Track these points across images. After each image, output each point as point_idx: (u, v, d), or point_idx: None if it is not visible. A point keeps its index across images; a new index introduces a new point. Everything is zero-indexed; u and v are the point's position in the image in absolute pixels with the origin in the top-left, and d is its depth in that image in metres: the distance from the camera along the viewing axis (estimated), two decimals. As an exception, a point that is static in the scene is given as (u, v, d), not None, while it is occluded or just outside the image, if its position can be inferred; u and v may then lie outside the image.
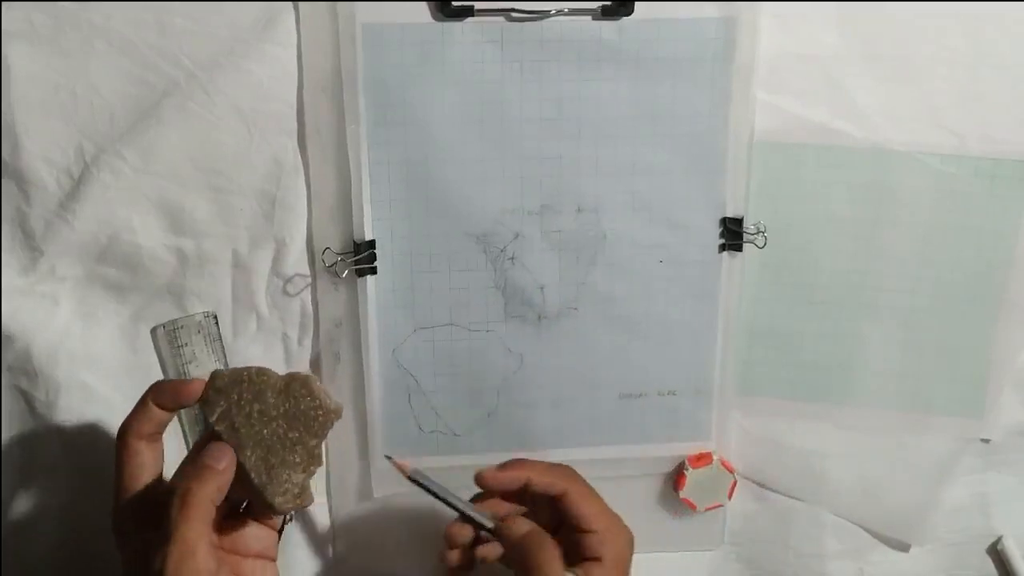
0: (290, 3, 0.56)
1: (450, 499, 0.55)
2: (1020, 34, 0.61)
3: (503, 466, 0.56)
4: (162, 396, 0.49)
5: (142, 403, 0.49)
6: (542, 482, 0.55)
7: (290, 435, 0.49)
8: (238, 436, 0.48)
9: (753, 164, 0.62)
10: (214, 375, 0.49)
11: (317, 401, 0.49)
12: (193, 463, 0.47)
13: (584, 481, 0.56)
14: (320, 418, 0.49)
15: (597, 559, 0.53)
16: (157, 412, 0.48)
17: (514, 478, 0.55)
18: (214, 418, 0.48)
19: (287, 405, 0.49)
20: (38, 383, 0.58)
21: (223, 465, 0.47)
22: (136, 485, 0.48)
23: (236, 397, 0.48)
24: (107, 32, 0.55)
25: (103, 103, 0.56)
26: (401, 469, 0.55)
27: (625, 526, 0.55)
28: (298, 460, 0.49)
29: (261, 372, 0.49)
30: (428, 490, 0.55)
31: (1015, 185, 0.63)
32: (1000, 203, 0.63)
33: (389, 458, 0.56)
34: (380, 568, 0.67)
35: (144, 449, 0.48)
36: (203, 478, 0.46)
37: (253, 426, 0.48)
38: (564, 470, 0.56)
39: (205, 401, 0.48)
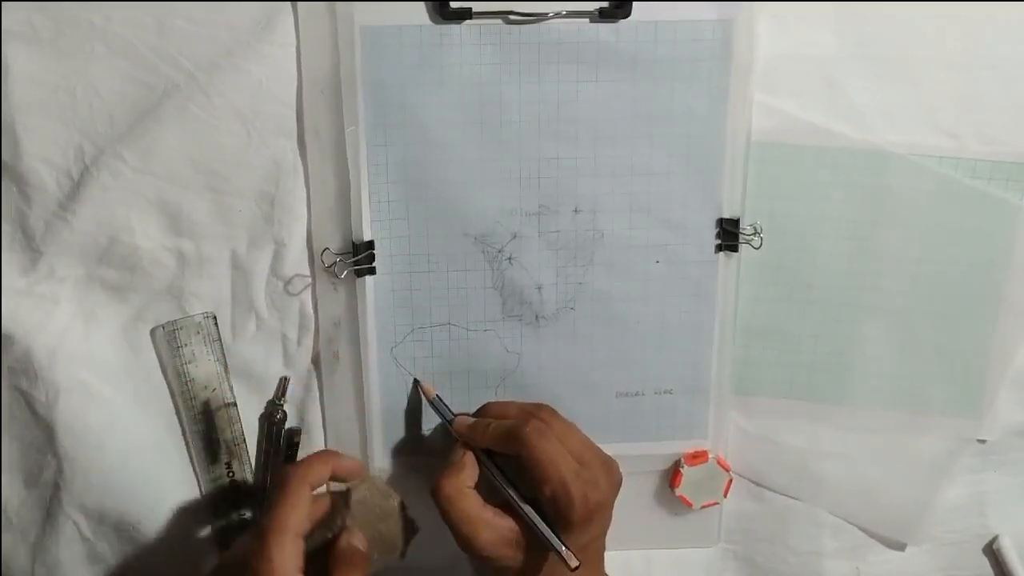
0: (288, 5, 0.57)
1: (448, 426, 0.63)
2: (1017, 36, 0.61)
3: (472, 426, 0.61)
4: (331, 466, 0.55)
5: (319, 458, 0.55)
6: (497, 448, 0.59)
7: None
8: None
9: (750, 165, 0.62)
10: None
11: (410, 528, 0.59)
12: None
13: (543, 440, 0.56)
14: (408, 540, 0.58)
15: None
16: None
17: (476, 441, 0.60)
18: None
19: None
20: (38, 384, 0.58)
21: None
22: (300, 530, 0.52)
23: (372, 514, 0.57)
24: (106, 34, 0.55)
25: (102, 104, 0.56)
26: (426, 392, 0.63)
27: (589, 486, 0.56)
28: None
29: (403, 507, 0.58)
30: (442, 417, 0.63)
31: (1012, 187, 0.63)
32: (997, 204, 0.63)
33: (417, 381, 0.64)
34: (378, 562, 0.68)
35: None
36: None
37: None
38: (519, 437, 0.56)
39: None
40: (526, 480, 0.57)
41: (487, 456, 0.59)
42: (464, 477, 0.58)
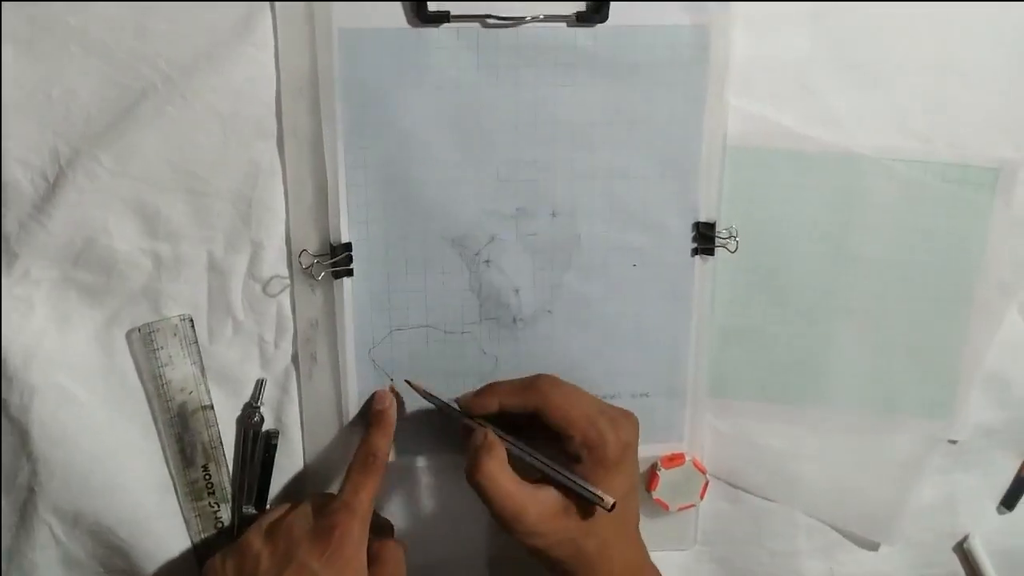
0: (267, 7, 0.57)
1: (453, 413, 0.61)
2: (987, 42, 0.62)
3: (479, 393, 0.60)
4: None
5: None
6: (512, 404, 0.59)
7: None
8: None
9: (726, 169, 0.63)
10: None
11: None
12: None
13: (558, 389, 0.58)
14: None
15: (578, 460, 0.57)
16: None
17: (486, 405, 0.59)
18: None
19: None
20: (12, 386, 0.57)
21: None
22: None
23: None
24: (83, 35, 0.55)
25: (79, 106, 0.56)
26: (417, 388, 0.62)
27: (614, 424, 0.58)
28: None
29: None
30: (436, 403, 0.62)
31: (981, 190, 0.64)
32: (967, 207, 0.64)
33: (408, 381, 0.63)
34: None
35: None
36: None
37: None
38: (535, 388, 0.58)
39: None
40: (546, 442, 0.58)
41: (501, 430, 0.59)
42: (499, 455, 0.56)
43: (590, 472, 0.57)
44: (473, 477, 0.56)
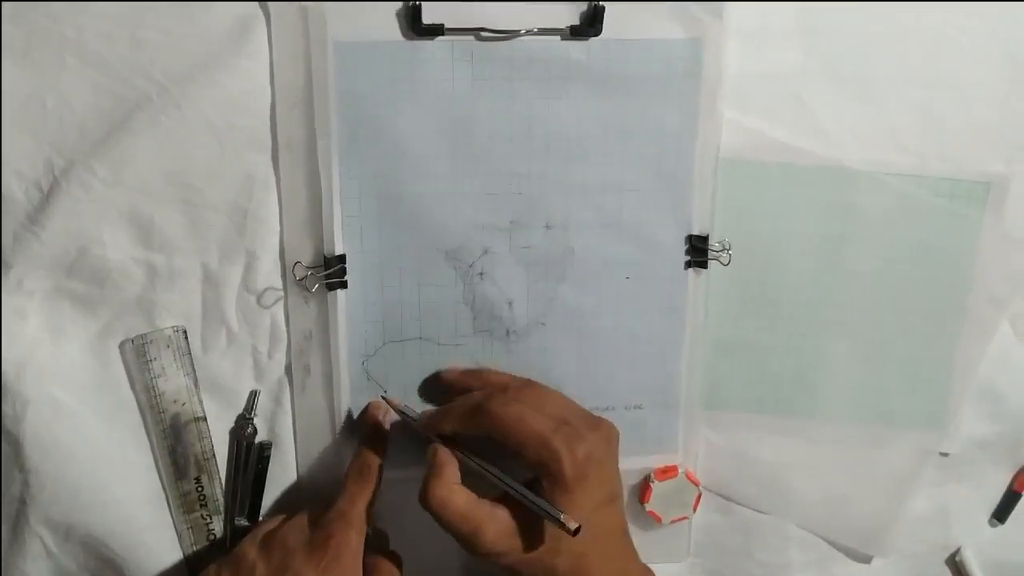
0: (262, 19, 0.57)
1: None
2: (979, 57, 0.63)
3: (432, 416, 0.60)
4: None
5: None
6: (464, 429, 0.57)
7: None
8: None
9: (719, 181, 0.63)
10: None
11: None
12: None
13: (509, 409, 0.55)
14: None
15: (536, 479, 0.55)
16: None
17: (439, 429, 0.59)
18: None
19: None
20: (5, 397, 0.57)
21: None
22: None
23: None
24: (78, 45, 0.55)
25: (74, 116, 0.56)
26: (392, 404, 0.62)
27: (571, 440, 0.54)
28: None
29: None
30: (411, 422, 0.61)
31: (971, 204, 0.64)
32: (958, 221, 0.65)
33: (384, 397, 0.63)
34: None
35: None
36: None
37: None
38: (483, 411, 0.55)
39: None
40: (511, 464, 0.56)
41: (463, 448, 0.58)
42: (448, 475, 0.55)
43: (548, 492, 0.53)
44: (422, 500, 0.54)
